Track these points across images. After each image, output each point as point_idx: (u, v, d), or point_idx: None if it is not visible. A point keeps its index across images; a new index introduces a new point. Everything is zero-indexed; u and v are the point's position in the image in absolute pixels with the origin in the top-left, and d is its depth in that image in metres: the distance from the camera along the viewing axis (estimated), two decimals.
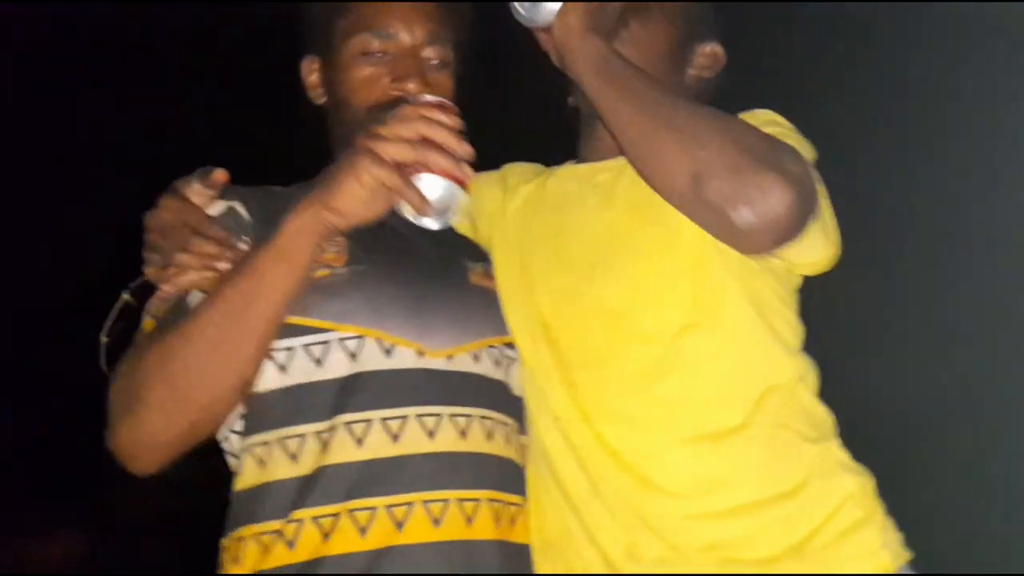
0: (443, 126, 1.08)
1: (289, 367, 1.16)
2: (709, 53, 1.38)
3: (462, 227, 1.44)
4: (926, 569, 1.19)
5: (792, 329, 1.22)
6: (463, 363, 1.21)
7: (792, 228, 1.05)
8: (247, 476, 1.15)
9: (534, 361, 1.25)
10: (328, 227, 1.10)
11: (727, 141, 1.05)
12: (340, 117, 1.36)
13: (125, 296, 1.19)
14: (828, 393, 1.23)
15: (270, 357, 1.14)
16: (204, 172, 1.26)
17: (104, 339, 1.16)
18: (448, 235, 1.38)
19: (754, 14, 3.09)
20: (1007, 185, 2.73)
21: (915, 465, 2.27)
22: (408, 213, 1.11)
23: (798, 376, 1.20)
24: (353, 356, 1.16)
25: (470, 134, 1.15)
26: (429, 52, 1.35)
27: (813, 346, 1.25)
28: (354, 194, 1.07)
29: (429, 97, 1.14)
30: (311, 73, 1.42)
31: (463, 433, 1.16)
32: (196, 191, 1.24)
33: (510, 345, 1.29)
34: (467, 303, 1.28)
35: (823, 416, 1.22)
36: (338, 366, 1.16)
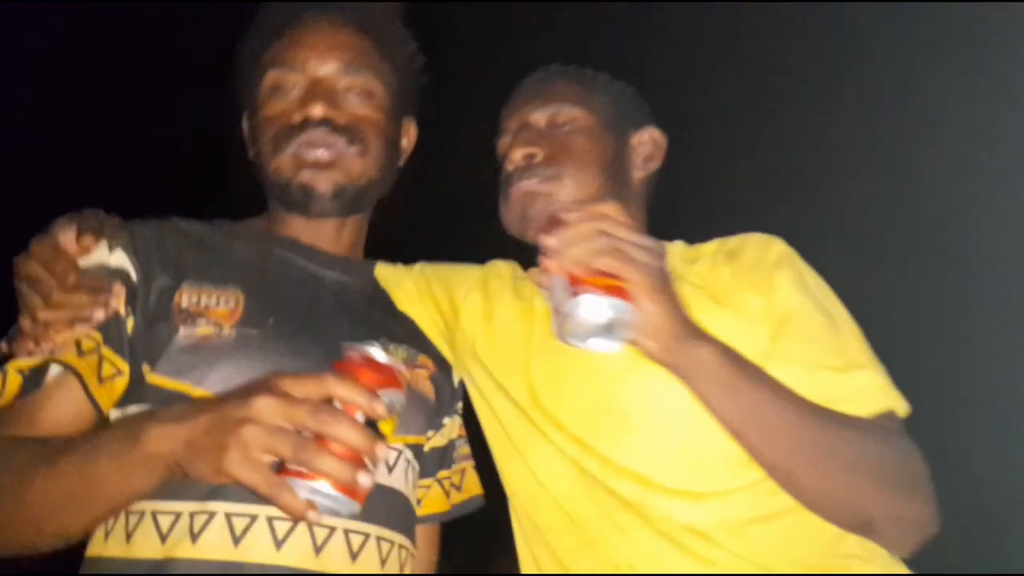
0: (347, 421, 0.84)
1: None
2: (646, 140, 1.40)
3: (425, 301, 1.40)
4: (931, 569, 1.19)
5: None
6: None
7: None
8: (110, 545, 1.04)
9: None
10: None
11: (887, 490, 1.07)
12: (255, 155, 1.29)
13: (3, 346, 1.09)
14: None
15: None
16: (84, 217, 1.15)
17: None
18: (375, 312, 1.31)
19: (753, 15, 3.10)
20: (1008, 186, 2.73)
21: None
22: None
23: None
24: None
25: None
26: (347, 81, 1.26)
27: None
28: (221, 468, 0.85)
29: (358, 351, 0.91)
30: (247, 129, 1.35)
31: (354, 556, 1.07)
32: (69, 238, 1.11)
33: (413, 446, 1.22)
34: None
35: None
36: None
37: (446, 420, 1.36)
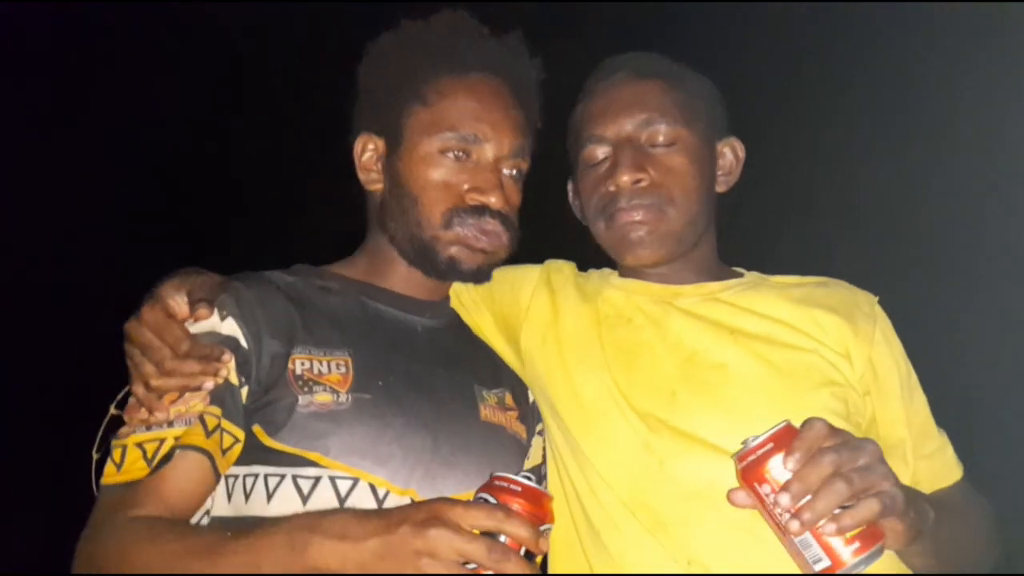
0: (518, 561, 0.91)
1: (274, 496, 1.11)
2: (728, 153, 1.38)
3: (487, 308, 1.41)
4: None
5: None
6: None
7: None
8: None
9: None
10: None
11: (990, 549, 1.30)
12: (403, 209, 1.29)
13: (113, 410, 1.14)
14: None
15: (263, 482, 1.12)
16: (192, 283, 1.19)
17: (96, 455, 1.12)
18: (465, 352, 1.35)
19: (754, 15, 3.10)
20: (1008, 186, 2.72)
21: None
22: None
23: None
24: (342, 498, 1.10)
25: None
26: (510, 164, 1.30)
27: None
28: None
29: (510, 481, 0.97)
30: (366, 152, 1.35)
31: None
32: (181, 305, 1.16)
33: None
34: (472, 448, 1.23)
35: None
36: (324, 505, 1.09)
37: (532, 442, 1.40)
